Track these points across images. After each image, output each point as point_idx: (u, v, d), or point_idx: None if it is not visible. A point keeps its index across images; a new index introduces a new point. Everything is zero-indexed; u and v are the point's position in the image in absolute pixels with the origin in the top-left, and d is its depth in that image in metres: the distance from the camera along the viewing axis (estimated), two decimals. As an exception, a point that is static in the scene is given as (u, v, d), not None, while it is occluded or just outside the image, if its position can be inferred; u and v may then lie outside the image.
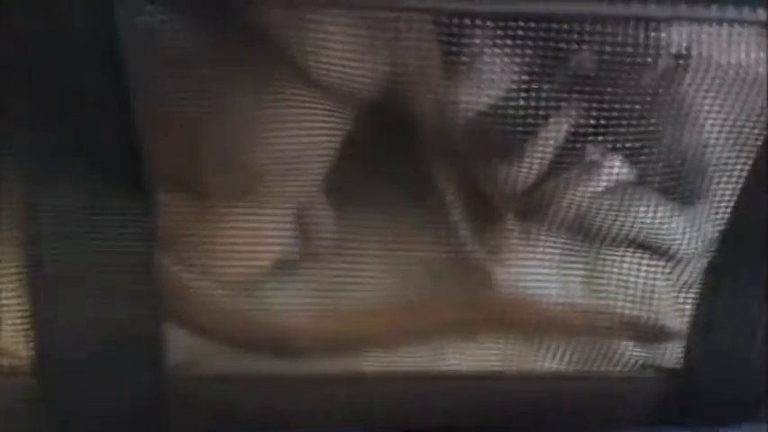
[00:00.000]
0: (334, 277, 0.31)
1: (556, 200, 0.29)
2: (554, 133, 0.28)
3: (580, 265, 0.31)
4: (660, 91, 0.26)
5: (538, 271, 0.31)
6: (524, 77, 0.26)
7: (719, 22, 0.24)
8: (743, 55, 0.24)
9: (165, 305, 0.30)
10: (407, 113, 0.27)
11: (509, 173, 0.29)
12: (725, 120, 0.27)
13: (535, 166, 0.28)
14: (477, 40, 0.25)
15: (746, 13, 0.23)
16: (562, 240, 0.31)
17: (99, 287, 0.29)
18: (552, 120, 0.27)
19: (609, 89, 0.26)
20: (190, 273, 0.31)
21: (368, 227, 0.31)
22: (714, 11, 0.23)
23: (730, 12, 0.23)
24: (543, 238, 0.31)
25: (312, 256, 0.31)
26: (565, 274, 0.31)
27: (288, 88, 0.27)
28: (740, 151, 0.27)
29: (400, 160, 0.29)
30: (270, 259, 0.31)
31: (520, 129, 0.27)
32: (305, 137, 0.28)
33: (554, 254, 0.31)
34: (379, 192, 0.30)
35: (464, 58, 0.26)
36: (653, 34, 0.24)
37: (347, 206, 0.31)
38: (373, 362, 0.33)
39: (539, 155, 0.28)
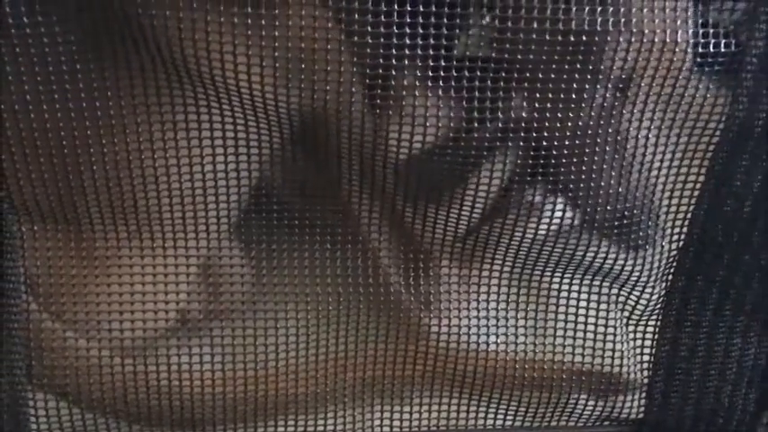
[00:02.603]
0: (244, 335, 0.28)
1: (495, 243, 0.28)
2: (492, 175, 0.27)
3: (524, 313, 0.29)
4: (601, 124, 0.25)
5: (477, 320, 0.29)
6: (460, 116, 0.25)
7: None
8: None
9: (34, 366, 0.27)
10: (329, 148, 0.26)
11: (445, 217, 0.28)
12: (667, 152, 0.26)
13: (473, 210, 0.27)
14: (407, 75, 0.24)
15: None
16: (504, 287, 0.29)
17: None
18: (490, 162, 0.27)
19: (547, 124, 0.25)
20: (66, 327, 0.28)
21: (285, 279, 0.29)
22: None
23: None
24: (483, 284, 0.29)
25: (220, 312, 0.29)
26: (508, 323, 0.29)
27: (185, 108, 0.25)
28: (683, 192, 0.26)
29: (324, 204, 0.28)
30: (168, 317, 0.28)
31: (456, 170, 0.26)
32: (208, 169, 0.26)
33: (495, 302, 0.29)
34: (298, 239, 0.29)
35: (395, 95, 0.24)
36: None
37: (262, 256, 0.29)
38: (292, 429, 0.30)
39: (477, 198, 0.27)
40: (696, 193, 0.26)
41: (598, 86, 0.24)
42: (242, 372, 0.29)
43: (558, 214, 0.28)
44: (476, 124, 0.25)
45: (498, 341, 0.29)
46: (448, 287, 0.29)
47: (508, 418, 0.30)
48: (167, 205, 0.26)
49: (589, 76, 0.24)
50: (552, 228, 0.28)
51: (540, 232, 0.28)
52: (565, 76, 0.24)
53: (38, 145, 0.24)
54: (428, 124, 0.25)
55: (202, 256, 0.28)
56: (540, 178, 0.27)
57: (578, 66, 0.23)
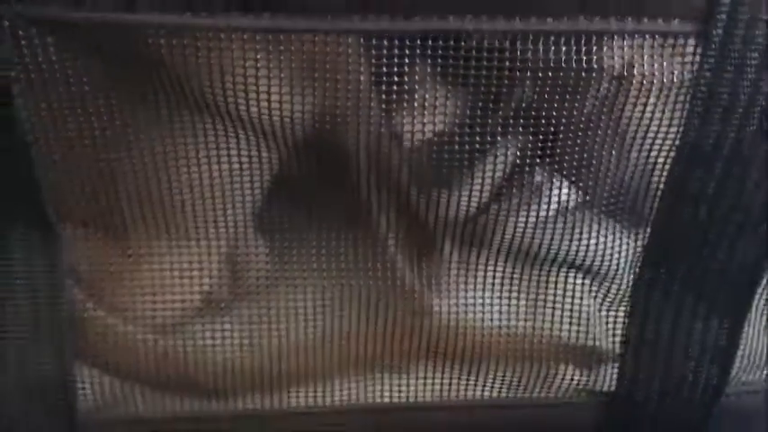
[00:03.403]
0: (265, 314, 0.31)
1: (498, 226, 0.29)
2: (497, 161, 0.28)
3: (520, 291, 0.31)
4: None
5: (476, 299, 0.31)
6: (466, 105, 0.26)
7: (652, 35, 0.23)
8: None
9: (80, 346, 0.30)
10: (342, 144, 0.27)
11: (450, 201, 0.28)
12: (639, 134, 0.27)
13: (477, 194, 0.28)
14: (414, 67, 0.25)
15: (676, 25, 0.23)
16: (502, 267, 0.30)
17: (8, 326, 0.29)
18: (495, 147, 0.27)
19: (551, 113, 0.26)
20: (107, 312, 0.30)
21: (302, 262, 0.30)
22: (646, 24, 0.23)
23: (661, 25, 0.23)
24: (483, 265, 0.30)
25: (244, 294, 0.31)
26: (505, 301, 0.31)
27: (203, 122, 0.27)
28: (655, 166, 0.27)
29: (335, 191, 0.29)
30: (196, 299, 0.31)
31: (462, 156, 0.27)
32: (226, 172, 0.28)
33: (494, 281, 0.31)
34: (312, 224, 0.30)
35: (402, 86, 0.25)
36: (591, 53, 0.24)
37: (280, 242, 0.30)
38: (304, 397, 0.32)
39: (481, 182, 0.28)
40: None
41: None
42: (260, 346, 0.31)
43: (562, 196, 0.29)
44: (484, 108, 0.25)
45: (493, 319, 0.31)
46: (449, 269, 0.30)
47: (494, 390, 0.32)
48: (192, 205, 0.29)
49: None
50: (552, 209, 0.29)
51: (541, 214, 0.29)
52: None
53: (78, 161, 0.27)
54: (438, 113, 0.26)
55: (225, 245, 0.30)
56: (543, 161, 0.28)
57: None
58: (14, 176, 0.26)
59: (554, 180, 0.29)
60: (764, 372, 0.32)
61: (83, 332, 0.30)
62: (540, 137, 0.27)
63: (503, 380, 0.32)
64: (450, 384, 0.32)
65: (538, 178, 0.29)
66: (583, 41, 0.23)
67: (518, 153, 0.28)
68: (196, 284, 0.30)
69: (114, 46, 0.24)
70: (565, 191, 0.29)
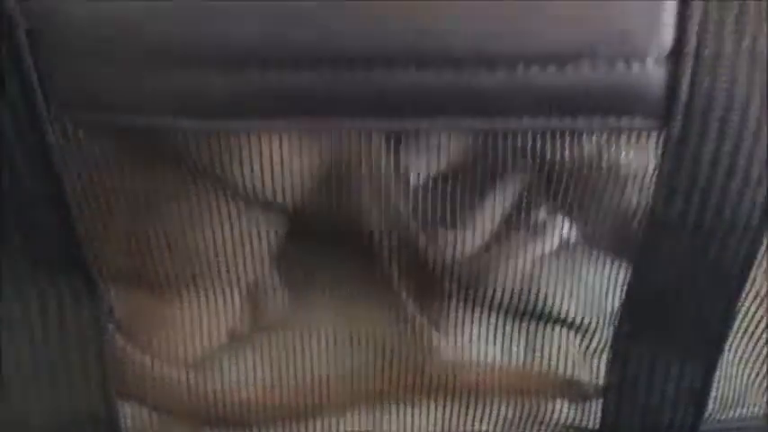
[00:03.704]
0: (284, 350, 0.33)
1: (500, 265, 0.31)
2: (500, 201, 0.29)
3: (520, 329, 0.33)
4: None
5: (479, 337, 0.33)
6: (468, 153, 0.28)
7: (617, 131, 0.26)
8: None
9: (121, 385, 0.33)
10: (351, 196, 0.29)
11: (454, 241, 0.30)
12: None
13: (480, 234, 0.30)
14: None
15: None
16: (505, 304, 0.32)
17: (56, 371, 0.32)
18: (498, 189, 0.29)
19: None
20: (144, 353, 0.33)
21: (316, 301, 0.33)
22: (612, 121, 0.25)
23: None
24: (486, 304, 0.32)
25: (263, 330, 0.33)
26: (505, 338, 0.33)
27: (225, 196, 0.30)
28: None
29: (345, 235, 0.31)
30: (220, 336, 0.34)
31: (465, 198, 0.28)
32: (243, 232, 0.31)
33: (496, 320, 0.33)
34: (325, 266, 0.32)
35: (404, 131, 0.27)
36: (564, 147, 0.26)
37: (296, 281, 0.33)
38: (321, 428, 0.35)
39: (484, 223, 0.30)
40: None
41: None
42: (280, 379, 0.33)
43: (562, 232, 0.30)
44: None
45: (488, 356, 0.33)
46: (454, 307, 0.32)
47: (491, 424, 0.34)
48: (216, 258, 0.31)
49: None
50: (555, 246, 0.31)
51: (544, 251, 0.31)
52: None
53: (117, 227, 0.30)
54: (443, 151, 0.27)
55: (245, 287, 0.33)
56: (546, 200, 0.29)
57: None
58: (65, 242, 0.29)
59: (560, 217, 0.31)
60: (737, 411, 0.34)
61: (122, 371, 0.33)
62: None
63: (498, 414, 0.34)
64: (450, 417, 0.34)
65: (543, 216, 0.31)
66: (557, 137, 0.26)
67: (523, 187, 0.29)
68: (222, 323, 0.33)
69: (154, 143, 0.27)
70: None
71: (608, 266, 0.31)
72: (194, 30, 0.23)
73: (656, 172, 0.26)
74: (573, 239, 0.31)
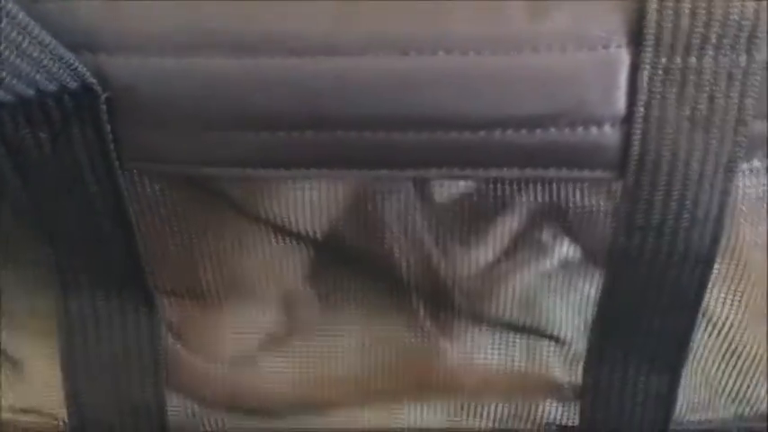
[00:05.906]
0: (312, 352, 0.36)
1: (506, 280, 0.33)
2: (511, 219, 0.32)
3: (517, 337, 0.36)
4: None
5: (482, 344, 0.36)
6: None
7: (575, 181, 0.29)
8: None
9: (170, 380, 0.37)
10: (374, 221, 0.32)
11: (465, 258, 0.32)
12: None
13: (490, 251, 0.32)
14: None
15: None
16: (508, 314, 0.35)
17: (118, 368, 0.37)
18: (509, 207, 0.31)
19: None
20: (192, 353, 0.38)
21: (342, 311, 0.35)
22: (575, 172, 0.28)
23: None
24: (491, 313, 0.35)
25: (296, 335, 0.36)
26: (506, 343, 0.36)
27: (257, 230, 0.34)
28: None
29: (368, 256, 0.33)
30: (257, 340, 0.38)
31: (479, 216, 0.31)
32: (278, 256, 0.35)
33: (498, 329, 0.35)
34: (351, 282, 0.35)
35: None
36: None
37: (326, 294, 0.35)
38: (343, 419, 0.37)
39: (494, 241, 0.32)
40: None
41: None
42: (308, 376, 0.36)
43: (564, 251, 0.33)
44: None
45: (494, 360, 0.36)
46: (462, 317, 0.34)
47: (488, 421, 0.37)
48: (255, 273, 0.35)
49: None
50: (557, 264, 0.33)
51: (547, 269, 0.33)
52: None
53: (172, 252, 0.34)
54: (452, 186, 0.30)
55: (281, 295, 0.35)
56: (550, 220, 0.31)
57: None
58: (131, 263, 0.34)
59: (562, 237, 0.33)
60: (704, 414, 0.38)
61: (173, 368, 0.36)
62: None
63: (495, 412, 0.37)
64: (454, 414, 0.38)
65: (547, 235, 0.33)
66: (536, 183, 0.30)
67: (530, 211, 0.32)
68: (259, 329, 0.38)
69: (204, 187, 0.31)
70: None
71: (585, 285, 0.34)
72: (237, 102, 0.27)
73: (617, 212, 0.29)
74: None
